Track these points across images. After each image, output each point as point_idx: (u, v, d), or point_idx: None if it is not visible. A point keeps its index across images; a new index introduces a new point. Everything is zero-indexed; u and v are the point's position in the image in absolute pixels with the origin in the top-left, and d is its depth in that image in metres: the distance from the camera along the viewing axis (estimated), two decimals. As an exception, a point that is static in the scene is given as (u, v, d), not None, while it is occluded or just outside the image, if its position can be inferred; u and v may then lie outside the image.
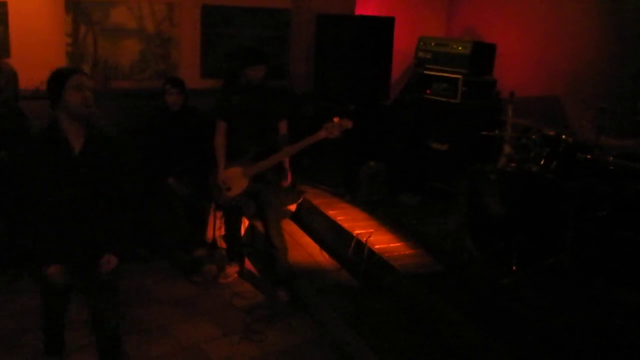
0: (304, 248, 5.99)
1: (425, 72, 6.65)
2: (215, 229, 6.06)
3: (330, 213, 6.15)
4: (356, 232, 5.63)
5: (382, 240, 5.50)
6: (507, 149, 5.24)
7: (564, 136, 4.84)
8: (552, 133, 4.92)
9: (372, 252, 5.34)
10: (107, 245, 3.78)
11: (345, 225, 5.84)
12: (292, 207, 6.54)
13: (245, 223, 6.11)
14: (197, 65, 7.12)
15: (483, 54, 6.54)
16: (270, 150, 5.23)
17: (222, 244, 6.06)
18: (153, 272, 5.65)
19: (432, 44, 6.70)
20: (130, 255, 5.79)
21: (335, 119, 5.00)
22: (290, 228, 6.36)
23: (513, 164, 5.09)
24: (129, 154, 4.09)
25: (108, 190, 3.77)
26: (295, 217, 6.57)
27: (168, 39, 6.90)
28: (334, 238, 5.95)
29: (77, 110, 3.59)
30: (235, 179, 5.27)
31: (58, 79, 3.61)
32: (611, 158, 4.54)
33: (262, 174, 5.24)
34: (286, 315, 5.06)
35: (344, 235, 5.74)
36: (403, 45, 7.11)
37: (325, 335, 4.81)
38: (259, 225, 5.98)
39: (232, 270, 5.67)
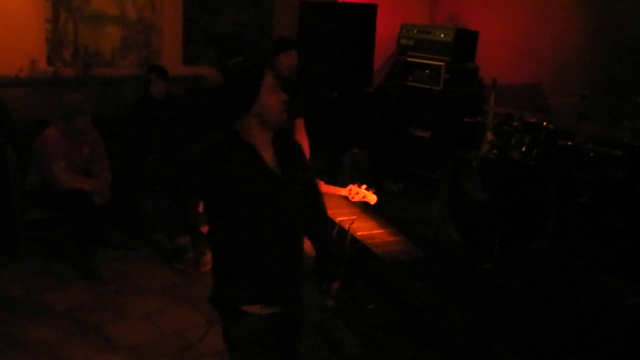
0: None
1: (408, 59, 6.65)
2: (198, 216, 6.04)
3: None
4: (339, 219, 5.63)
5: (364, 227, 5.52)
6: (489, 136, 5.27)
7: (545, 123, 4.87)
8: (533, 120, 4.94)
9: (354, 238, 5.35)
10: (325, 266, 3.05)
11: (328, 212, 5.82)
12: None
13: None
14: (179, 52, 7.08)
15: (466, 42, 6.55)
16: None
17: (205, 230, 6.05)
18: (135, 260, 5.62)
19: (415, 31, 6.69)
20: (113, 242, 5.79)
21: (364, 186, 4.87)
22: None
23: (495, 151, 5.11)
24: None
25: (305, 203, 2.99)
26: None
27: (150, 26, 6.85)
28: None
29: (274, 117, 2.76)
30: None
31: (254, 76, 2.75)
32: (592, 145, 4.58)
33: None
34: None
35: (327, 222, 5.73)
36: (386, 33, 7.10)
37: (309, 321, 4.82)
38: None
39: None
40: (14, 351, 4.22)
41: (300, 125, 5.09)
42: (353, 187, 4.80)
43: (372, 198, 4.84)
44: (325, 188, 4.94)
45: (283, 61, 4.92)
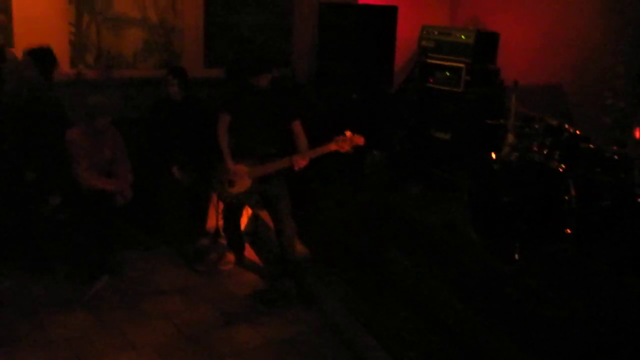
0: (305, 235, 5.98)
1: (429, 60, 6.63)
2: (218, 218, 6.07)
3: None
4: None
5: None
6: (510, 138, 5.23)
7: (567, 125, 4.83)
8: (555, 122, 4.91)
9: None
10: None
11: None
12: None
13: (248, 211, 6.12)
14: (201, 55, 7.11)
15: (486, 43, 6.51)
16: (276, 153, 5.19)
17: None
18: (156, 261, 5.67)
19: (436, 32, 6.67)
20: (134, 242, 5.83)
21: (348, 133, 4.92)
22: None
23: (516, 154, 5.08)
24: None
25: None
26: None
27: (171, 28, 6.89)
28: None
29: None
30: (239, 177, 5.24)
31: None
32: (615, 147, 4.53)
33: (266, 175, 5.21)
34: (289, 303, 5.08)
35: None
36: (406, 34, 7.08)
37: (329, 324, 4.82)
38: (262, 213, 6.00)
39: (232, 257, 5.70)
40: (34, 349, 4.27)
41: (297, 127, 5.23)
42: (338, 138, 4.88)
43: (359, 139, 4.90)
44: (308, 154, 4.99)
45: (254, 82, 5.19)
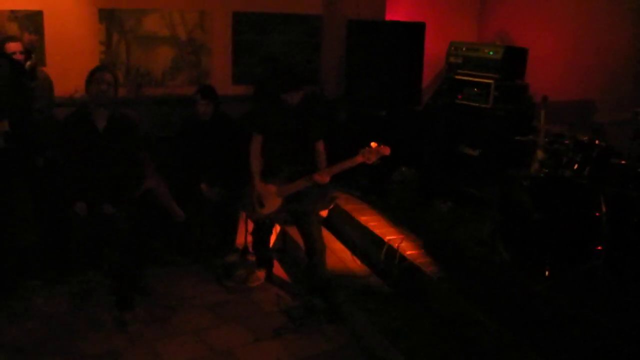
0: (335, 254, 5.98)
1: (457, 77, 6.61)
2: (247, 234, 6.08)
3: (362, 219, 6.13)
4: (387, 238, 5.61)
5: (413, 246, 5.48)
6: (539, 154, 5.19)
7: (597, 141, 4.78)
8: (585, 138, 4.86)
9: (403, 258, 5.31)
10: None
11: (377, 231, 5.82)
12: (324, 213, 6.54)
13: (277, 228, 6.12)
14: (229, 72, 7.18)
15: (515, 58, 6.48)
16: (305, 170, 5.20)
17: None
18: (185, 277, 5.69)
19: (464, 48, 6.65)
20: (164, 259, 5.85)
21: (373, 144, 4.92)
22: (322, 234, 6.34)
23: (546, 170, 5.03)
24: None
25: None
26: (327, 223, 6.57)
27: (200, 46, 6.97)
28: (365, 244, 5.94)
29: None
30: (269, 197, 5.26)
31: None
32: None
33: (295, 193, 5.22)
34: (318, 321, 5.06)
35: (376, 241, 5.72)
36: (434, 51, 7.08)
37: (357, 341, 4.80)
38: (290, 230, 6.00)
39: (261, 274, 5.70)
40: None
41: (320, 146, 5.25)
42: (364, 150, 4.86)
43: (385, 149, 4.87)
44: (335, 168, 4.99)
45: (285, 99, 5.19)
